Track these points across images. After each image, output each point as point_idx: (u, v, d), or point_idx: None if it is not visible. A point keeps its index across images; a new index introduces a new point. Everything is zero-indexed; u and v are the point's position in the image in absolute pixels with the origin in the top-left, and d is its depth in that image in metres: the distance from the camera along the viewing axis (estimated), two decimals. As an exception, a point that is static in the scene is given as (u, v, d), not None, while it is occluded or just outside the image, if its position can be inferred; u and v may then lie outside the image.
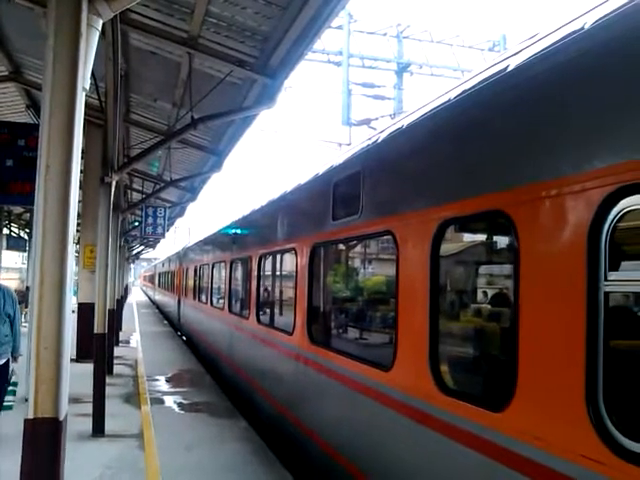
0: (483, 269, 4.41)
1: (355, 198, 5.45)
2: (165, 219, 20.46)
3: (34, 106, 13.77)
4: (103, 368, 8.26)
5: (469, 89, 4.10)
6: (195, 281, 18.55)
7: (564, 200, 2.98)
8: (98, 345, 8.36)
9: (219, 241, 14.52)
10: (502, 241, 3.97)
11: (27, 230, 31.39)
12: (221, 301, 13.35)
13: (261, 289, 9.53)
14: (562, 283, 2.96)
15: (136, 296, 60.53)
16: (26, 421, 3.22)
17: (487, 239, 4.35)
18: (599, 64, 2.98)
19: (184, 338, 21.41)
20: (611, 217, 2.72)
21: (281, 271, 8.97)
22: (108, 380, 8.87)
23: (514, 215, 3.33)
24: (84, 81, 3.44)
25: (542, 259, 3.13)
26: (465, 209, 3.85)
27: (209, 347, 14.85)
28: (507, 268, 3.61)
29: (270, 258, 9.26)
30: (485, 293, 4.23)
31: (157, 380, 12.53)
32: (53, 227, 3.27)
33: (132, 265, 61.88)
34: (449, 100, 4.33)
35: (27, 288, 22.58)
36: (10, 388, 6.43)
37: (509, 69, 3.68)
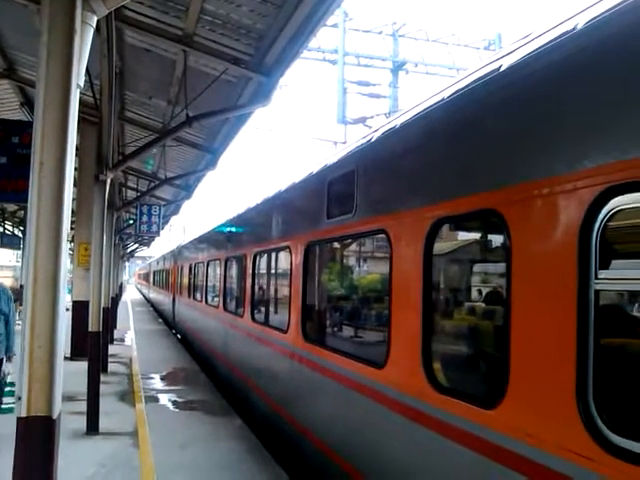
0: (475, 268, 4.44)
1: (349, 197, 5.47)
2: (160, 217, 20.38)
3: (28, 103, 13.71)
4: (97, 366, 8.25)
5: (461, 89, 4.12)
6: (190, 279, 18.53)
7: (555, 199, 3.00)
8: (92, 343, 8.34)
9: (214, 239, 14.51)
10: (494, 240, 4.00)
11: (21, 228, 31.27)
12: (216, 299, 13.34)
13: (256, 287, 9.53)
14: (553, 282, 2.98)
15: (131, 294, 60.44)
16: (19, 419, 3.20)
17: (479, 238, 4.38)
18: (590, 65, 2.99)
19: (179, 336, 21.39)
20: (601, 216, 2.74)
21: (276, 269, 8.97)
22: (102, 378, 8.86)
23: (506, 214, 3.35)
24: (78, 78, 3.42)
25: (533, 258, 3.15)
26: (458, 208, 3.87)
27: (204, 345, 14.84)
28: (499, 267, 3.63)
29: (265, 256, 9.26)
30: (478, 292, 4.26)
31: (152, 378, 12.52)
32: (47, 225, 3.26)
33: (127, 263, 61.71)
34: (442, 100, 4.34)
35: (21, 286, 22.50)
36: (7, 389, 6.30)
37: (501, 69, 3.69)
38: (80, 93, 3.52)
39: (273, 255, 8.88)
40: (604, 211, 2.73)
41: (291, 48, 7.73)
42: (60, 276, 3.27)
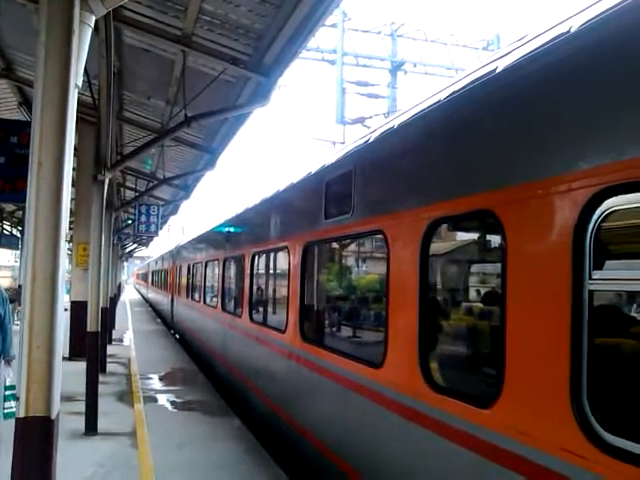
0: (471, 268, 4.46)
1: (347, 197, 5.48)
2: (158, 217, 20.37)
3: (26, 103, 13.71)
4: (96, 366, 8.24)
5: (456, 91, 4.14)
6: (188, 279, 18.53)
7: (549, 200, 3.02)
8: (91, 343, 8.34)
9: (212, 239, 14.51)
10: (490, 240, 4.03)
11: (19, 228, 31.22)
12: (214, 299, 13.34)
13: (254, 287, 9.53)
14: (548, 282, 3.00)
15: (129, 294, 60.40)
16: (17, 420, 3.20)
17: (475, 238, 4.40)
18: (586, 67, 3.00)
19: (177, 336, 21.38)
20: (595, 217, 2.76)
21: (274, 269, 8.97)
22: (101, 378, 8.85)
23: (501, 214, 3.37)
24: (76, 78, 3.42)
25: (528, 258, 3.17)
26: (454, 209, 3.89)
27: (202, 345, 14.84)
28: (495, 267, 3.64)
29: (263, 256, 9.26)
30: (473, 292, 4.28)
31: (150, 378, 12.51)
32: (45, 224, 3.25)
33: (125, 263, 61.70)
34: (438, 102, 4.36)
35: (20, 286, 22.47)
36: (7, 393, 6.00)
37: (497, 71, 3.71)
38: (78, 93, 3.52)
39: (271, 255, 8.88)
40: (598, 212, 2.75)
41: (290, 48, 7.73)
42: (58, 276, 3.27)
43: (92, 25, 3.54)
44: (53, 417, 3.24)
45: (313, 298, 7.02)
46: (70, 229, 12.42)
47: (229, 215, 12.48)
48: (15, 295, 20.93)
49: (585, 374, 2.75)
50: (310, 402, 6.43)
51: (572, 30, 3.14)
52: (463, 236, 4.50)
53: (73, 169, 3.51)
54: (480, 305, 4.16)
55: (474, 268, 4.43)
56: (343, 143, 17.04)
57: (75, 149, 3.45)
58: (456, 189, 3.89)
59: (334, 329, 6.68)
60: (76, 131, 3.53)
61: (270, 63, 8.31)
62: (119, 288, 38.28)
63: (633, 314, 2.91)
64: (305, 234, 6.77)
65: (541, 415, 3.00)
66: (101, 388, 8.51)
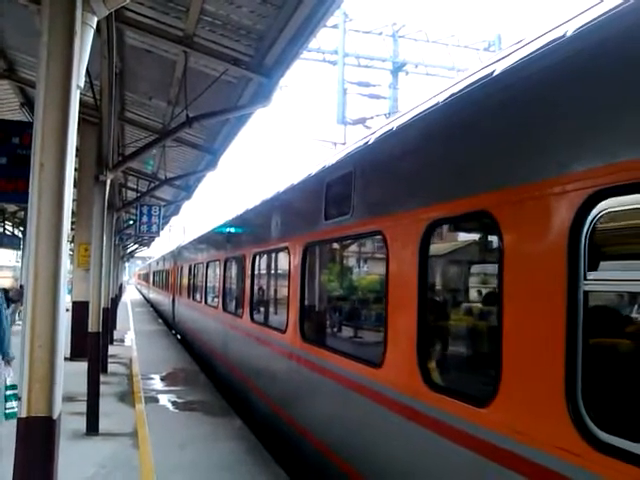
0: (469, 269, 4.49)
1: (346, 198, 5.52)
2: (160, 218, 20.39)
3: (28, 104, 13.72)
4: (97, 367, 8.26)
5: (454, 94, 4.18)
6: (189, 280, 18.54)
7: (545, 202, 3.06)
8: (92, 344, 8.35)
9: (213, 240, 14.52)
10: (487, 241, 4.05)
11: (21, 228, 31.28)
12: (215, 300, 13.35)
13: (255, 288, 9.54)
14: (543, 283, 3.03)
15: (131, 294, 60.43)
16: (19, 420, 3.21)
17: (472, 239, 4.44)
18: (582, 70, 3.03)
19: (178, 337, 21.39)
20: (590, 219, 2.79)
21: (274, 270, 8.99)
22: (102, 379, 8.87)
23: (498, 216, 3.41)
24: (78, 79, 3.43)
25: (524, 259, 3.21)
26: (452, 210, 3.93)
27: (203, 346, 14.85)
28: (492, 268, 3.67)
29: (264, 257, 9.27)
30: (471, 292, 4.32)
31: (151, 379, 12.53)
32: (47, 225, 3.26)
33: (127, 264, 61.72)
34: (436, 104, 4.40)
35: (21, 286, 22.48)
36: (9, 393, 5.94)
37: (494, 74, 3.74)
38: (80, 94, 3.53)
39: (272, 256, 8.89)
40: (592, 214, 2.78)
41: (291, 49, 7.74)
42: (60, 276, 3.28)
43: (94, 26, 3.55)
44: (55, 417, 3.25)
45: (313, 298, 7.03)
46: (72, 229, 12.44)
47: (230, 216, 12.49)
48: (17, 295, 20.93)
49: (580, 373, 2.78)
50: (310, 402, 6.44)
51: (567, 34, 3.17)
52: (461, 237, 4.55)
53: (75, 170, 3.52)
54: (477, 305, 4.20)
55: (472, 269, 4.47)
56: (344, 144, 17.05)
57: (77, 150, 3.44)
58: (453, 191, 3.93)
59: (334, 329, 6.70)
60: (78, 132, 3.54)
61: (271, 64, 8.31)
62: (120, 288, 38.29)
63: (627, 314, 2.95)
64: (305, 235, 6.78)
65: (537, 414, 3.03)
66: (102, 388, 8.53)
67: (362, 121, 21.43)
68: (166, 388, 11.72)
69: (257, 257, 9.43)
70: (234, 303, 11.44)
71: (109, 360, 12.94)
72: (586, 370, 2.78)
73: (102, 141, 8.88)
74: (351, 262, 6.71)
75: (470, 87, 4.00)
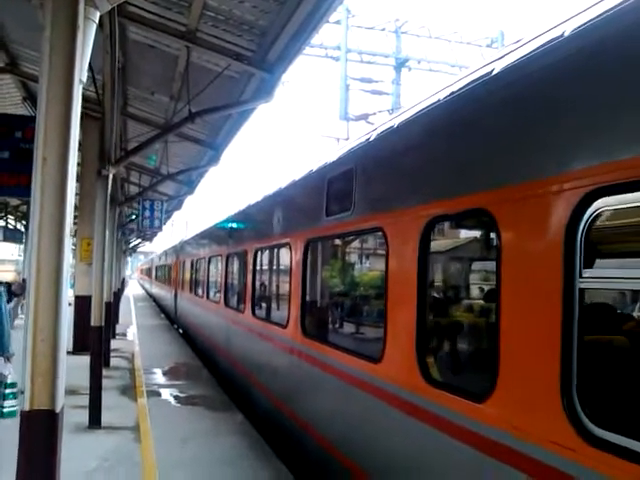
0: (467, 265, 4.54)
1: (348, 195, 5.54)
2: (162, 212, 20.42)
3: (31, 98, 13.72)
4: (100, 360, 8.29)
5: (453, 93, 4.20)
6: (191, 275, 18.57)
7: (542, 200, 3.08)
8: (95, 338, 8.38)
9: (215, 235, 14.54)
10: (485, 238, 4.08)
11: (24, 222, 31.33)
12: (217, 295, 13.38)
13: (256, 283, 9.56)
14: (540, 280, 3.06)
15: (133, 289, 60.54)
16: (22, 413, 3.23)
17: (471, 236, 4.48)
18: (582, 69, 3.05)
19: (180, 331, 21.44)
20: (586, 217, 2.82)
21: (276, 265, 9.01)
22: (105, 372, 8.90)
23: (496, 213, 3.44)
24: (81, 74, 3.43)
25: (521, 256, 3.24)
26: (451, 207, 3.95)
27: (205, 340, 14.89)
28: (490, 264, 3.70)
29: (265, 252, 9.29)
30: (469, 289, 4.39)
31: (154, 373, 12.56)
32: (50, 219, 3.27)
33: (129, 258, 61.83)
34: (437, 101, 4.41)
35: (24, 280, 22.55)
36: (7, 391, 5.78)
37: (494, 73, 3.76)
38: (83, 88, 3.53)
39: (273, 252, 8.91)
40: (589, 212, 2.81)
41: (294, 44, 7.74)
42: (63, 270, 3.29)
43: (97, 21, 3.56)
44: (57, 410, 3.27)
45: (314, 294, 7.06)
46: (74, 224, 12.44)
47: (232, 211, 12.50)
48: (19, 289, 20.99)
49: (575, 370, 2.82)
50: (310, 396, 6.47)
51: (565, 33, 3.19)
52: (459, 234, 4.59)
53: (77, 164, 3.53)
54: (475, 302, 4.24)
55: (470, 266, 4.51)
56: (347, 139, 17.04)
57: (79, 144, 3.43)
58: (453, 188, 3.96)
59: (334, 325, 6.73)
60: (80, 126, 3.55)
61: (274, 59, 8.32)
62: (123, 283, 38.36)
63: (622, 312, 3.01)
64: (307, 231, 6.80)
65: (533, 410, 3.07)
66: (105, 382, 8.56)
67: (365, 117, 21.42)
68: (168, 382, 11.75)
69: (259, 253, 9.45)
70: (236, 298, 11.46)
71: (111, 354, 13.01)
72: (581, 367, 2.81)
73: (104, 136, 8.90)
74: (351, 258, 6.73)
75: (469, 85, 4.03)
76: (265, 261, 9.51)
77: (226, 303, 12.12)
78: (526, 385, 3.13)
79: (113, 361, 12.92)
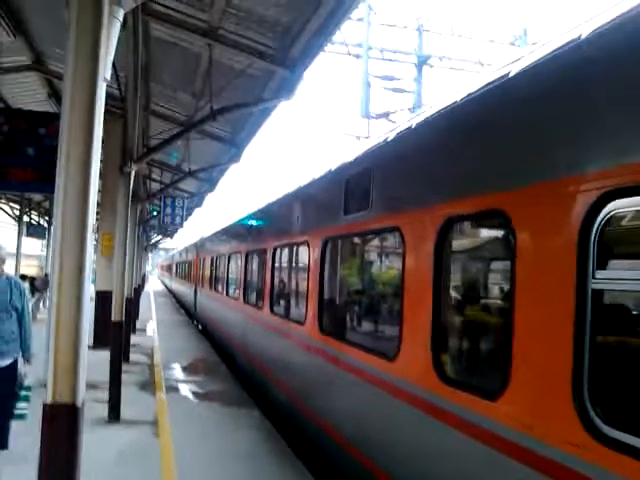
0: (483, 266, 4.58)
1: (365, 194, 5.60)
2: (183, 209, 20.53)
3: (55, 95, 13.89)
4: (119, 355, 8.37)
5: (471, 96, 4.23)
6: (211, 271, 18.68)
7: (557, 202, 3.12)
8: (115, 333, 8.46)
9: (235, 233, 14.60)
10: (500, 239, 4.10)
11: (46, 218, 31.74)
12: (236, 291, 13.44)
13: (275, 280, 9.61)
14: (554, 281, 3.09)
15: (153, 285, 61.03)
16: (44, 406, 3.27)
17: (486, 237, 4.50)
18: (595, 72, 3.07)
19: (200, 327, 21.57)
20: (600, 219, 2.84)
21: (294, 263, 9.04)
22: (124, 367, 8.99)
23: (512, 215, 3.47)
24: (105, 71, 3.46)
25: (536, 257, 3.27)
26: (467, 208, 4.00)
27: (224, 336, 14.97)
28: (505, 265, 3.73)
29: (284, 250, 9.33)
30: (485, 289, 4.43)
31: (173, 368, 12.66)
32: (73, 215, 3.31)
33: (150, 254, 62.31)
34: (454, 103, 4.44)
35: (46, 275, 22.87)
36: (23, 393, 5.65)
37: (511, 75, 3.78)
38: (106, 86, 3.56)
39: (292, 250, 8.95)
40: (602, 214, 2.83)
41: (315, 42, 7.74)
42: (85, 266, 3.32)
43: (121, 19, 3.58)
44: (79, 404, 3.30)
45: (331, 292, 7.10)
46: (96, 220, 12.58)
47: (251, 209, 12.55)
48: (42, 284, 21.30)
49: (586, 370, 2.85)
50: (327, 393, 6.50)
51: (583, 36, 3.19)
52: (475, 234, 4.60)
53: (100, 161, 3.56)
54: (489, 302, 4.28)
55: (485, 266, 4.55)
56: (368, 137, 17.00)
57: (102, 141, 3.44)
58: (469, 189, 4.00)
59: (352, 322, 6.76)
60: (103, 123, 3.58)
61: (296, 57, 8.32)
62: (143, 279, 38.67)
63: (634, 313, 3.04)
64: (325, 229, 6.84)
65: (545, 408, 3.10)
66: (124, 377, 8.64)
67: (386, 115, 21.31)
68: (187, 378, 11.84)
69: (277, 250, 9.49)
70: (254, 295, 11.53)
71: (131, 349, 13.12)
72: (592, 366, 2.84)
73: (127, 133, 8.97)
74: (369, 257, 6.77)
75: (486, 87, 4.05)
76: (284, 259, 9.55)
77: (245, 300, 12.18)
78: (538, 384, 3.16)
79: (133, 356, 13.04)
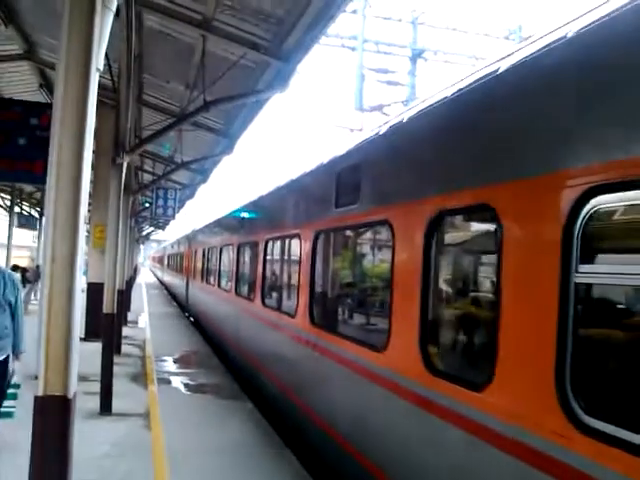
0: (470, 258, 4.65)
1: (356, 188, 5.67)
2: (176, 201, 20.47)
3: (47, 85, 13.78)
4: (111, 348, 8.34)
5: (457, 92, 4.28)
6: (203, 263, 18.68)
7: (542, 197, 3.18)
8: (107, 325, 8.43)
9: (227, 225, 14.59)
10: (487, 233, 4.14)
11: (38, 209, 31.56)
12: (228, 284, 13.44)
13: (267, 273, 9.64)
14: (538, 275, 3.16)
15: (145, 277, 60.90)
16: (36, 398, 3.26)
17: (473, 230, 4.56)
18: (581, 70, 3.12)
19: (192, 319, 21.56)
20: (583, 214, 2.91)
21: (286, 256, 9.06)
22: (116, 359, 8.97)
23: (497, 208, 3.53)
24: (98, 61, 3.44)
25: (521, 252, 3.34)
26: (454, 202, 4.07)
27: (216, 328, 14.98)
28: (491, 258, 3.79)
29: (276, 243, 9.35)
30: (472, 282, 4.51)
31: (164, 360, 12.65)
32: (65, 206, 3.29)
33: (142, 246, 62.11)
34: (443, 99, 4.48)
35: (37, 267, 22.75)
36: (10, 391, 5.48)
37: (499, 72, 3.82)
38: (99, 76, 3.54)
39: (284, 242, 8.96)
40: (585, 210, 2.90)
41: (310, 34, 7.70)
42: (77, 257, 3.31)
43: (114, 9, 3.56)
44: (70, 396, 3.30)
45: (322, 284, 7.15)
46: (88, 211, 12.53)
47: (244, 202, 12.54)
48: (33, 276, 21.20)
49: (569, 361, 2.92)
50: (318, 384, 6.54)
51: (568, 35, 3.24)
52: (462, 228, 4.65)
53: (92, 152, 3.54)
54: (476, 294, 4.34)
55: (472, 259, 4.61)
56: (361, 130, 16.99)
57: (94, 132, 3.40)
58: (456, 183, 4.07)
59: (341, 314, 6.80)
60: (96, 114, 3.55)
61: (290, 49, 8.28)
62: (135, 271, 38.58)
63: (616, 306, 3.09)
64: (316, 222, 6.88)
65: (529, 399, 3.17)
66: (116, 369, 8.63)
67: (379, 108, 21.30)
68: (179, 370, 11.84)
69: (269, 243, 9.51)
70: (246, 287, 11.55)
71: (123, 341, 13.09)
72: (575, 358, 2.91)
73: (119, 124, 8.91)
74: (359, 249, 6.82)
75: (473, 84, 4.11)
76: (275, 251, 9.57)
77: (237, 292, 12.19)
78: (523, 375, 3.22)
79: (124, 348, 13.01)
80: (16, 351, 5.52)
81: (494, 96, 3.86)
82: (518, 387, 3.26)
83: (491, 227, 3.75)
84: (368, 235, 6.33)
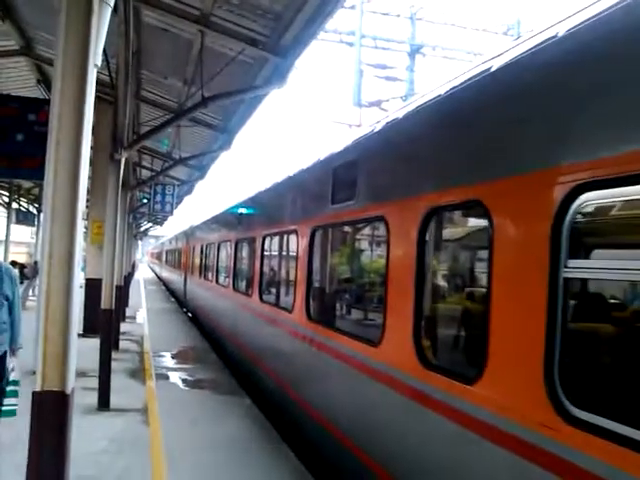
0: (462, 254, 4.73)
1: (352, 184, 5.70)
2: (174, 197, 20.45)
3: (45, 81, 13.75)
4: (109, 343, 8.35)
5: (449, 90, 4.34)
6: (201, 259, 18.69)
7: (532, 193, 3.23)
8: (105, 320, 8.44)
9: (225, 221, 14.60)
10: (479, 229, 4.19)
11: (36, 205, 31.49)
12: (226, 279, 13.46)
13: (264, 268, 9.67)
14: (528, 270, 3.21)
15: (143, 273, 60.88)
16: (34, 393, 3.27)
17: (466, 227, 4.60)
18: (572, 69, 3.15)
19: (190, 315, 21.57)
20: (572, 211, 2.96)
21: (283, 252, 9.09)
22: (114, 355, 8.98)
23: (489, 205, 3.59)
24: (95, 57, 3.44)
25: (511, 247, 3.39)
26: (448, 199, 4.12)
27: (213, 323, 15.01)
28: (483, 254, 3.83)
29: (273, 239, 9.37)
30: (464, 277, 4.60)
31: (162, 356, 12.67)
32: (63, 202, 3.30)
33: (140, 242, 62.08)
34: (438, 97, 4.52)
35: (35, 262, 22.74)
36: (10, 388, 5.37)
37: (492, 70, 3.86)
38: (97, 72, 3.54)
39: (281, 238, 8.99)
40: (574, 206, 2.95)
41: (308, 30, 7.70)
42: (75, 253, 3.32)
43: (112, 5, 3.56)
44: (68, 392, 3.31)
45: (319, 280, 7.21)
46: (86, 207, 12.52)
47: (241, 198, 12.54)
48: (31, 272, 21.19)
49: (557, 355, 2.97)
50: (315, 379, 6.57)
51: (559, 34, 3.28)
52: (455, 224, 4.72)
53: (90, 148, 3.54)
54: (468, 290, 4.43)
55: (465, 254, 4.69)
56: (359, 126, 16.98)
57: (92, 128, 3.40)
58: (449, 180, 4.12)
59: (338, 309, 6.83)
60: (94, 110, 3.55)
61: (288, 44, 8.27)
62: (133, 266, 38.58)
63: (604, 301, 3.15)
64: (313, 218, 6.90)
65: (519, 392, 3.22)
66: (114, 365, 8.64)
67: (378, 103, 21.28)
68: (177, 366, 11.85)
69: (267, 239, 9.53)
70: (244, 283, 11.56)
71: (121, 337, 13.11)
72: (562, 352, 2.96)
73: (117, 119, 8.91)
74: (355, 246, 6.85)
75: (465, 83, 4.15)
76: (272, 247, 9.59)
77: (234, 288, 12.21)
78: (513, 368, 3.28)
79: (122, 344, 13.02)
80: (13, 345, 5.45)
81: (486, 94, 3.91)
82: (508, 380, 3.32)
83: (482, 223, 3.79)
84: (364, 231, 6.38)
